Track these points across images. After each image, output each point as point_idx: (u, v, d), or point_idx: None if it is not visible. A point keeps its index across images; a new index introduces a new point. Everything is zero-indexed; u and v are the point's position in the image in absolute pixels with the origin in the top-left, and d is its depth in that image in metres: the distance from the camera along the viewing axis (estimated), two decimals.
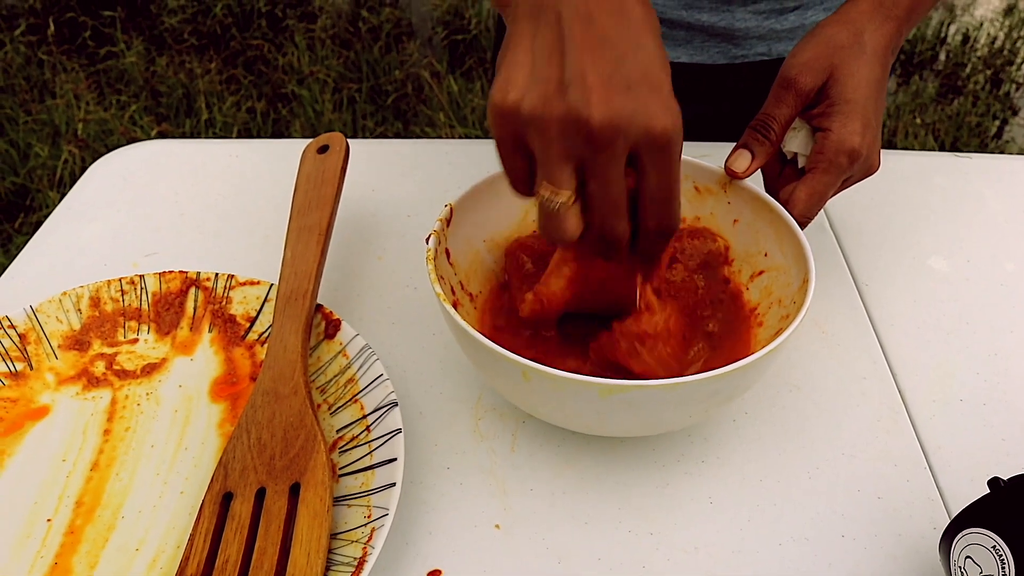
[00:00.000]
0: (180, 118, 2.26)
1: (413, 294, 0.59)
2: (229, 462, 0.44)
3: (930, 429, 0.50)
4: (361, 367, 0.49)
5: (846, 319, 0.58)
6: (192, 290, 0.55)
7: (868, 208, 0.68)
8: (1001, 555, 0.35)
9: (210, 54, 2.58)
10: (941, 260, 0.63)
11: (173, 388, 0.51)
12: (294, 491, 0.42)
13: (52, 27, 2.62)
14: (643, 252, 0.43)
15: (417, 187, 0.69)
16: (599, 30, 0.37)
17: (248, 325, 0.54)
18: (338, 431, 0.47)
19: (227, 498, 0.43)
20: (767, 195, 0.51)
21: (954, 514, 0.44)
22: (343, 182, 0.58)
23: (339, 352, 0.51)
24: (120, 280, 0.55)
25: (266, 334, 0.53)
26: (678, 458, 0.48)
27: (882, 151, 0.54)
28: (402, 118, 2.34)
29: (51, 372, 0.51)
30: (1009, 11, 2.85)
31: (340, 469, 0.46)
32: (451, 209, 0.50)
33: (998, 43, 2.70)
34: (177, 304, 0.55)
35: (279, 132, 2.25)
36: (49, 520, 0.44)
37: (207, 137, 2.20)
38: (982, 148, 2.31)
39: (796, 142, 0.53)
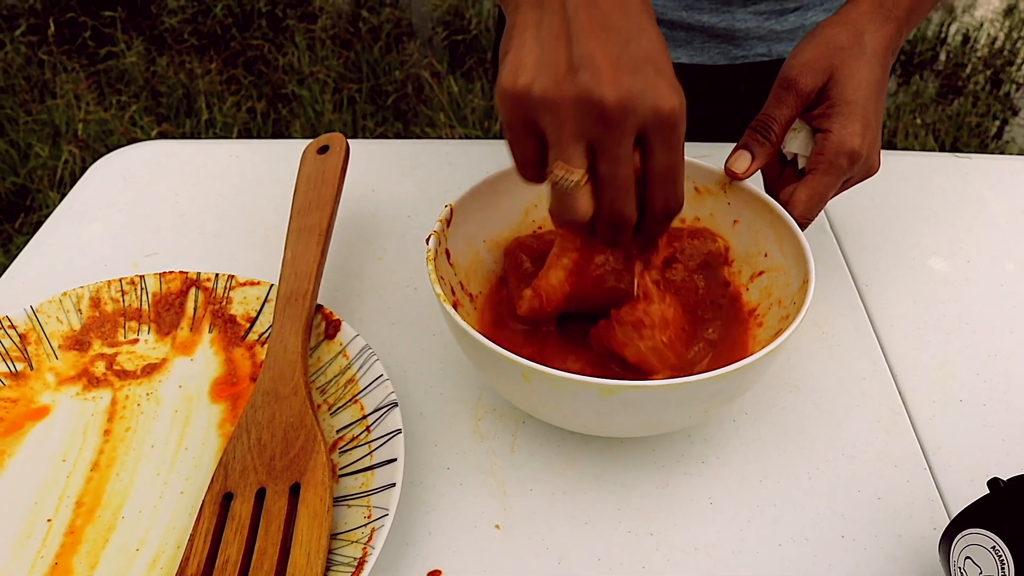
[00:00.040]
0: (180, 118, 2.27)
1: (413, 294, 0.59)
2: (229, 462, 0.44)
3: (930, 429, 0.51)
4: (361, 367, 0.49)
5: (846, 320, 0.58)
6: (192, 290, 0.55)
7: (868, 209, 0.68)
8: (1001, 556, 0.35)
9: (210, 54, 2.58)
10: (941, 261, 0.63)
11: (173, 388, 0.51)
12: (294, 491, 0.42)
13: (52, 27, 2.62)
14: (646, 234, 0.44)
15: (417, 187, 0.69)
16: (603, 16, 0.38)
17: (248, 325, 0.54)
18: (338, 431, 0.47)
19: (227, 498, 0.43)
20: (767, 196, 0.52)
21: (954, 515, 0.44)
22: (343, 182, 0.58)
23: (339, 352, 0.51)
24: (120, 280, 0.55)
25: (266, 334, 0.53)
26: (678, 458, 0.48)
27: (882, 152, 0.55)
28: (402, 118, 2.34)
29: (51, 372, 0.51)
30: (1009, 11, 2.85)
31: (340, 469, 0.46)
32: (451, 210, 0.50)
33: (998, 43, 2.70)
34: (177, 304, 0.55)
35: (279, 132, 2.25)
36: (49, 520, 0.44)
37: (207, 137, 2.20)
38: (982, 148, 2.31)
39: (796, 143, 0.53)
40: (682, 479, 0.47)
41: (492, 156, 0.51)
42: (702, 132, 0.76)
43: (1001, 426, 0.51)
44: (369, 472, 0.44)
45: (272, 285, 0.54)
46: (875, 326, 0.58)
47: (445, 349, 0.55)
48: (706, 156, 0.55)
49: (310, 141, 0.61)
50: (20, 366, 0.51)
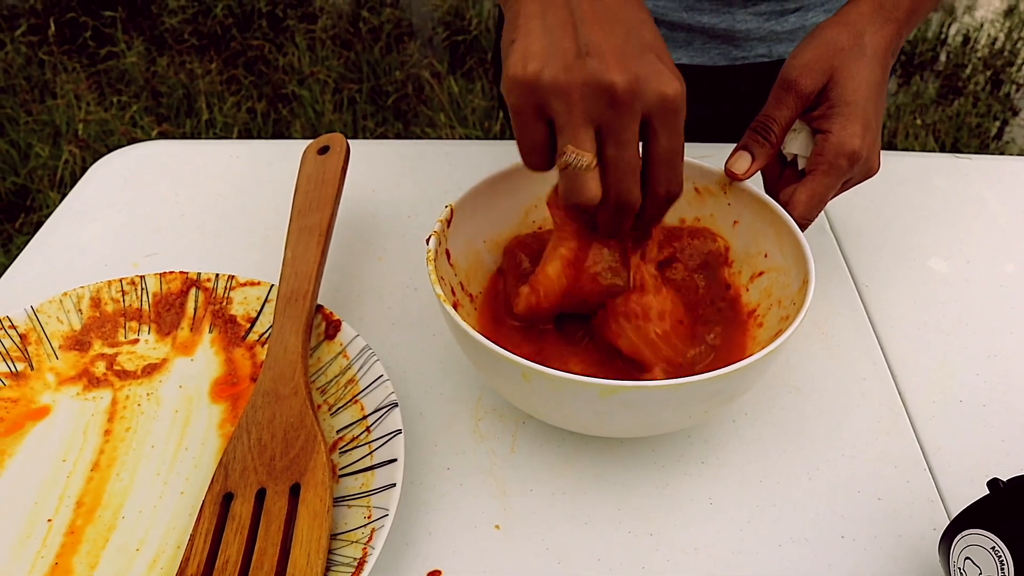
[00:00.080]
0: (180, 118, 2.27)
1: (413, 295, 0.59)
2: (229, 463, 0.44)
3: (930, 430, 0.51)
4: (361, 368, 0.49)
5: (846, 320, 0.58)
6: (193, 291, 0.55)
7: (868, 209, 0.68)
8: (1000, 556, 0.35)
9: (211, 54, 2.59)
10: (941, 261, 0.63)
11: (173, 388, 0.51)
12: (294, 492, 0.42)
13: (53, 27, 2.62)
14: (645, 221, 0.46)
15: (417, 188, 0.69)
16: (606, 7, 0.40)
17: (248, 326, 0.54)
18: (338, 432, 0.48)
19: (227, 498, 0.43)
20: (767, 196, 0.52)
21: (953, 515, 0.44)
22: (343, 183, 0.58)
23: (339, 353, 0.51)
24: (121, 281, 0.55)
25: (266, 335, 0.53)
26: (678, 459, 0.48)
27: (882, 152, 0.55)
28: (403, 119, 2.34)
29: (52, 372, 0.51)
30: (1009, 12, 2.85)
31: (340, 470, 0.46)
32: (451, 210, 0.50)
33: (998, 44, 2.70)
34: (178, 305, 0.55)
35: (279, 133, 2.25)
36: (50, 520, 0.44)
37: (207, 137, 2.20)
38: (982, 149, 2.31)
39: (796, 144, 0.53)
40: (682, 479, 0.47)
41: (492, 156, 0.52)
42: (702, 133, 0.76)
43: (1001, 427, 0.51)
44: (369, 472, 0.44)
45: (272, 285, 0.54)
46: (875, 326, 0.58)
47: (445, 349, 0.55)
48: (706, 157, 0.55)
49: (310, 141, 0.61)
50: (20, 366, 0.51)
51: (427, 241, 0.48)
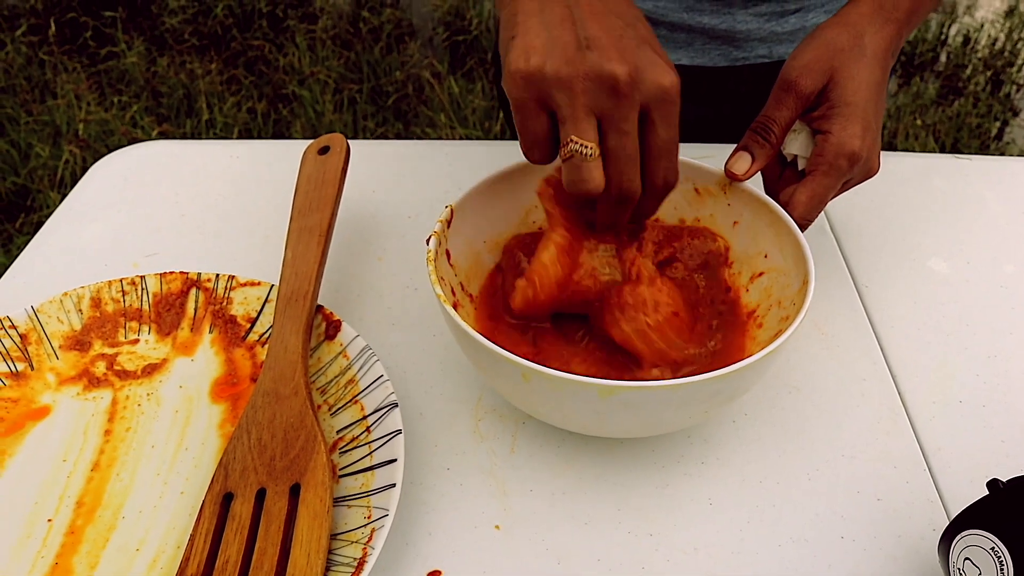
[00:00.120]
0: (181, 119, 2.27)
1: (413, 295, 0.59)
2: (229, 463, 0.44)
3: (930, 430, 0.51)
4: (361, 368, 0.49)
5: (846, 320, 0.58)
6: (193, 291, 0.55)
7: (868, 210, 0.68)
8: (1000, 557, 0.35)
9: (211, 55, 2.59)
10: (941, 262, 0.63)
11: (174, 389, 0.51)
12: (294, 492, 0.42)
13: (53, 27, 2.62)
14: (641, 212, 0.47)
15: (418, 188, 0.69)
16: (603, 4, 0.42)
17: (249, 326, 0.54)
18: (338, 432, 0.48)
19: (227, 499, 0.43)
20: (767, 197, 0.52)
21: (953, 515, 0.44)
22: (344, 183, 0.58)
23: (339, 353, 0.51)
24: (121, 281, 0.55)
25: (267, 335, 0.53)
26: (678, 459, 0.48)
27: (882, 153, 0.55)
28: (403, 119, 2.34)
29: (52, 372, 0.51)
30: (1010, 12, 2.85)
31: (340, 470, 0.46)
32: (451, 210, 0.50)
33: (999, 44, 2.70)
34: (178, 305, 0.55)
35: (280, 133, 2.25)
36: (50, 520, 0.44)
37: (208, 138, 2.20)
38: (983, 149, 2.31)
39: (796, 144, 0.53)
40: (682, 480, 0.47)
41: (493, 157, 0.52)
42: (702, 133, 0.76)
43: (1000, 427, 0.51)
44: (369, 472, 0.44)
45: (272, 286, 0.54)
46: (875, 327, 0.58)
47: (445, 350, 0.55)
48: (707, 157, 0.55)
49: (311, 142, 0.61)
50: (21, 366, 0.51)
51: (427, 241, 0.48)
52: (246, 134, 2.24)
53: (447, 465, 0.48)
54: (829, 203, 0.54)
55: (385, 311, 0.58)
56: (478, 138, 2.22)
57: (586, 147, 0.41)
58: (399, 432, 0.45)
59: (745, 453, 0.49)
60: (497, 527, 0.45)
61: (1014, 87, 2.59)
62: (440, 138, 2.22)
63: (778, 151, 0.53)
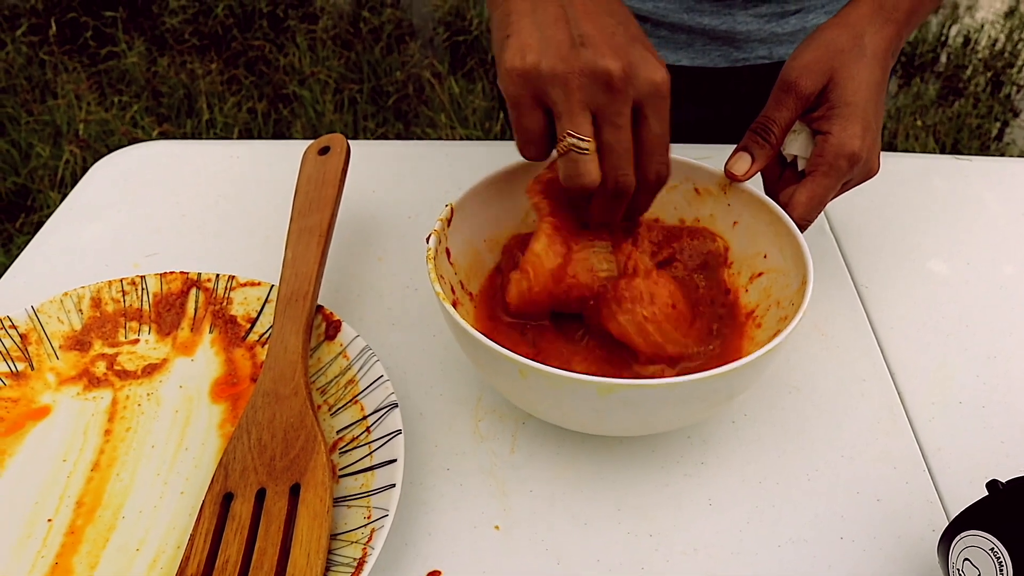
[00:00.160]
0: (181, 118, 2.27)
1: (414, 295, 0.59)
2: (229, 463, 0.44)
3: (929, 431, 0.51)
4: (361, 368, 0.49)
5: (846, 321, 0.58)
6: (193, 291, 0.55)
7: (868, 210, 0.68)
8: (999, 557, 0.35)
9: (211, 55, 2.59)
10: (941, 263, 0.63)
11: (174, 389, 0.51)
12: (294, 492, 0.42)
13: (54, 27, 2.62)
14: (634, 208, 0.47)
15: (418, 188, 0.69)
16: (595, 4, 0.43)
17: (249, 326, 0.54)
18: (338, 432, 0.48)
19: (227, 499, 0.43)
20: (767, 197, 0.52)
21: (952, 516, 0.44)
22: (344, 183, 0.58)
23: (339, 353, 0.51)
24: (121, 281, 0.55)
25: (267, 335, 0.53)
26: (678, 459, 0.48)
27: (882, 153, 0.55)
28: (403, 119, 2.34)
29: (52, 372, 0.51)
30: (1010, 13, 2.85)
31: (340, 470, 0.46)
32: (451, 209, 0.50)
33: (999, 45, 2.70)
34: (178, 305, 0.55)
35: (280, 133, 2.25)
36: (50, 520, 0.44)
37: (208, 138, 2.20)
38: (983, 150, 2.31)
39: (796, 145, 0.53)
40: (681, 480, 0.47)
41: (493, 157, 0.52)
42: (703, 134, 0.76)
43: (1000, 428, 0.51)
44: (369, 473, 0.44)
45: (273, 286, 0.54)
46: (875, 328, 0.58)
47: (445, 350, 0.55)
48: (707, 158, 0.55)
49: (311, 142, 0.61)
50: (21, 366, 0.51)
51: (427, 240, 0.48)
52: (246, 134, 2.24)
53: (447, 465, 0.48)
54: (829, 204, 0.54)
55: (385, 311, 0.58)
56: (478, 138, 2.22)
57: (583, 141, 0.42)
58: (399, 432, 0.45)
59: (745, 453, 0.49)
60: (497, 527, 0.45)
61: (1014, 88, 2.59)
62: (440, 138, 2.22)
63: (778, 152, 0.53)
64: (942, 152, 2.24)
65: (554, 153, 0.44)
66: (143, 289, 0.55)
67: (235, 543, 0.41)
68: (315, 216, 0.55)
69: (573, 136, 0.42)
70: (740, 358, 0.41)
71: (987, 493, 0.38)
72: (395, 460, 0.43)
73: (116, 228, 0.65)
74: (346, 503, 0.43)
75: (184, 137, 2.19)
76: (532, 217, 0.56)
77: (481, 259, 0.54)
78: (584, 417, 0.43)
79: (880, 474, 0.48)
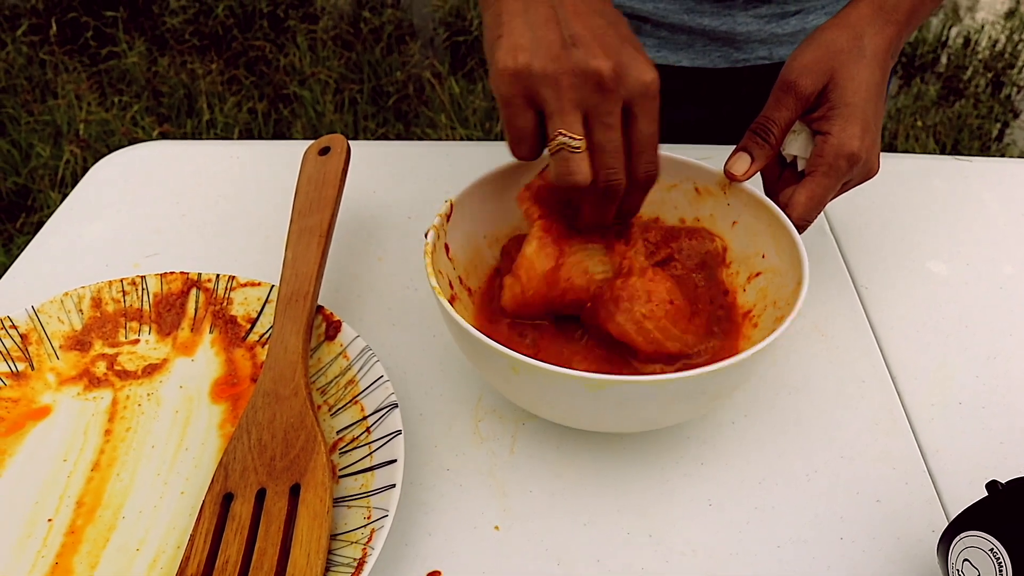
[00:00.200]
0: (181, 119, 2.27)
1: (414, 295, 0.59)
2: (229, 463, 0.44)
3: (929, 432, 0.51)
4: (361, 368, 0.49)
5: (845, 321, 0.58)
6: (193, 291, 0.55)
7: (868, 211, 0.68)
8: (998, 558, 0.35)
9: (212, 55, 2.59)
10: (940, 263, 0.63)
11: (174, 389, 0.51)
12: (294, 492, 0.42)
13: (54, 27, 2.62)
14: (628, 206, 0.48)
15: (418, 189, 0.69)
16: (586, 4, 0.43)
17: (249, 326, 0.54)
18: (338, 432, 0.48)
19: (227, 499, 0.43)
20: (766, 198, 0.52)
21: (952, 517, 0.44)
22: (344, 184, 0.58)
23: (340, 353, 0.51)
24: (121, 281, 0.55)
25: (267, 335, 0.53)
26: (677, 460, 0.48)
27: (882, 154, 0.55)
28: (403, 119, 2.34)
29: (52, 372, 0.51)
30: (1010, 14, 2.85)
31: (340, 470, 0.46)
32: (451, 205, 0.50)
33: (999, 46, 2.70)
34: (178, 305, 0.55)
35: (280, 133, 2.25)
36: (50, 520, 0.44)
37: (208, 138, 2.20)
38: (983, 151, 2.31)
39: (796, 145, 0.53)
40: (681, 480, 0.47)
41: (493, 157, 0.52)
42: (702, 134, 0.76)
43: (1000, 428, 0.51)
44: (369, 473, 0.44)
45: (273, 286, 0.55)
46: (874, 328, 0.58)
47: (445, 350, 0.55)
48: (706, 159, 0.55)
49: (311, 142, 0.62)
50: (21, 366, 0.51)
51: (425, 235, 0.48)
52: (247, 134, 2.24)
53: (447, 466, 0.48)
54: (829, 204, 0.54)
55: (385, 311, 0.58)
56: (479, 139, 2.22)
57: (574, 140, 0.42)
58: (399, 433, 0.45)
59: (744, 454, 0.49)
60: (496, 528, 0.45)
61: (1014, 88, 2.59)
62: (441, 139, 2.23)
63: (778, 152, 0.53)
64: (942, 153, 2.24)
65: (545, 154, 0.45)
66: (143, 289, 0.55)
67: (235, 543, 0.41)
68: (315, 216, 0.55)
69: (564, 135, 0.42)
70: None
71: (987, 494, 0.38)
72: (395, 460, 0.43)
73: (116, 228, 0.65)
74: (346, 503, 0.44)
75: (184, 137, 2.19)
76: None
77: (481, 255, 0.54)
78: (575, 413, 0.44)
79: (880, 474, 0.48)
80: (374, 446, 0.45)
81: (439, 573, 0.42)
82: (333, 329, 0.52)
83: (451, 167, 0.71)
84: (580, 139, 0.42)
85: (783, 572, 0.43)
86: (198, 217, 0.66)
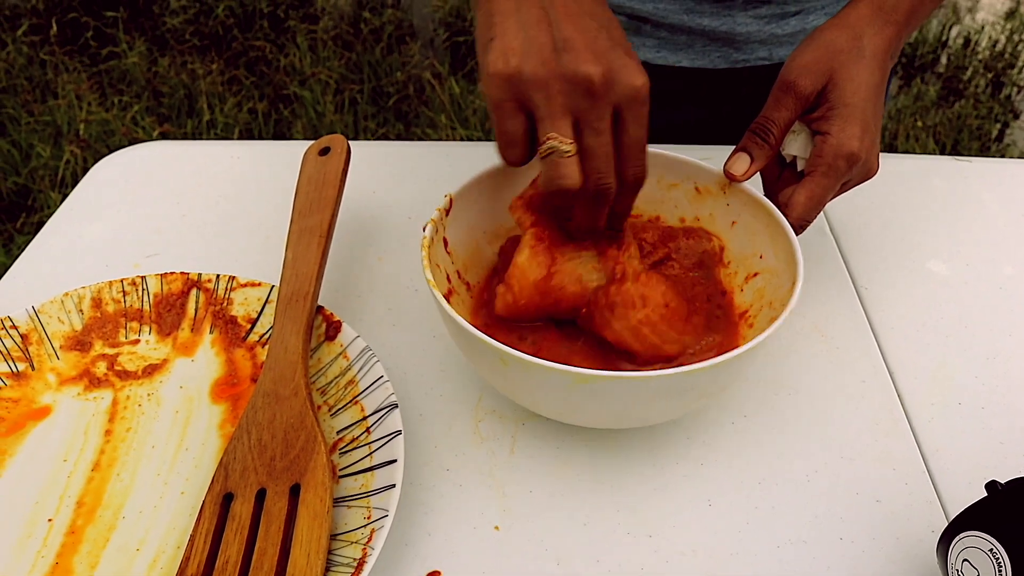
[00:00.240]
0: (182, 119, 2.27)
1: (414, 295, 0.59)
2: (230, 463, 0.44)
3: (928, 432, 0.51)
4: (361, 369, 0.49)
5: (845, 321, 0.58)
6: (193, 291, 0.55)
7: (868, 211, 0.68)
8: (998, 558, 0.35)
9: (212, 55, 2.59)
10: (940, 263, 0.63)
11: (174, 389, 0.51)
12: (294, 492, 0.42)
13: (54, 27, 2.62)
14: (619, 210, 0.48)
15: (418, 189, 0.69)
16: (577, 5, 0.43)
17: (249, 326, 0.54)
18: (338, 432, 0.48)
19: (227, 499, 0.43)
20: (764, 198, 0.52)
21: (952, 517, 0.44)
22: (344, 184, 0.58)
23: (340, 354, 0.51)
24: (122, 281, 0.55)
25: (267, 335, 0.53)
26: (677, 460, 0.48)
27: (882, 154, 0.55)
28: (403, 120, 2.34)
29: (53, 372, 0.51)
30: (1011, 14, 2.85)
31: (340, 470, 0.46)
32: (451, 199, 0.50)
33: (999, 46, 2.70)
34: (178, 305, 0.55)
35: (280, 133, 2.25)
36: (50, 520, 0.44)
37: (208, 138, 2.20)
38: (983, 151, 2.31)
39: (795, 145, 0.53)
40: (681, 481, 0.47)
41: (493, 158, 0.52)
42: (702, 135, 0.76)
43: (999, 429, 0.51)
44: (369, 473, 0.44)
45: (273, 286, 0.55)
46: (874, 328, 0.58)
47: (445, 351, 0.55)
48: (706, 159, 0.55)
49: (311, 143, 0.62)
50: (22, 366, 0.51)
51: (424, 228, 0.48)
52: (247, 134, 2.24)
53: (447, 466, 0.48)
54: (829, 204, 0.54)
55: (385, 311, 0.58)
56: (479, 139, 2.22)
57: (563, 144, 0.42)
58: (399, 433, 0.45)
59: (744, 454, 0.49)
60: (496, 528, 0.45)
61: (1015, 89, 2.59)
62: (441, 139, 2.23)
63: (777, 152, 0.53)
64: (942, 153, 2.24)
65: (535, 163, 0.45)
66: (144, 289, 0.55)
67: (235, 543, 0.41)
68: (315, 216, 0.55)
69: (555, 138, 0.42)
70: None
71: (986, 494, 0.38)
72: (395, 461, 0.43)
73: (117, 228, 0.65)
74: (346, 503, 0.44)
75: (185, 137, 2.19)
76: None
77: (481, 251, 0.54)
78: (565, 407, 0.44)
79: (879, 475, 0.48)
80: (374, 446, 0.45)
81: (439, 573, 0.42)
82: (333, 329, 0.52)
83: (451, 167, 0.71)
84: (570, 143, 0.42)
85: (783, 572, 0.43)
86: (198, 217, 0.66)
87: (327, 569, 0.40)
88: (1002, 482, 0.38)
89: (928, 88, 2.54)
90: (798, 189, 0.51)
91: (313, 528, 0.41)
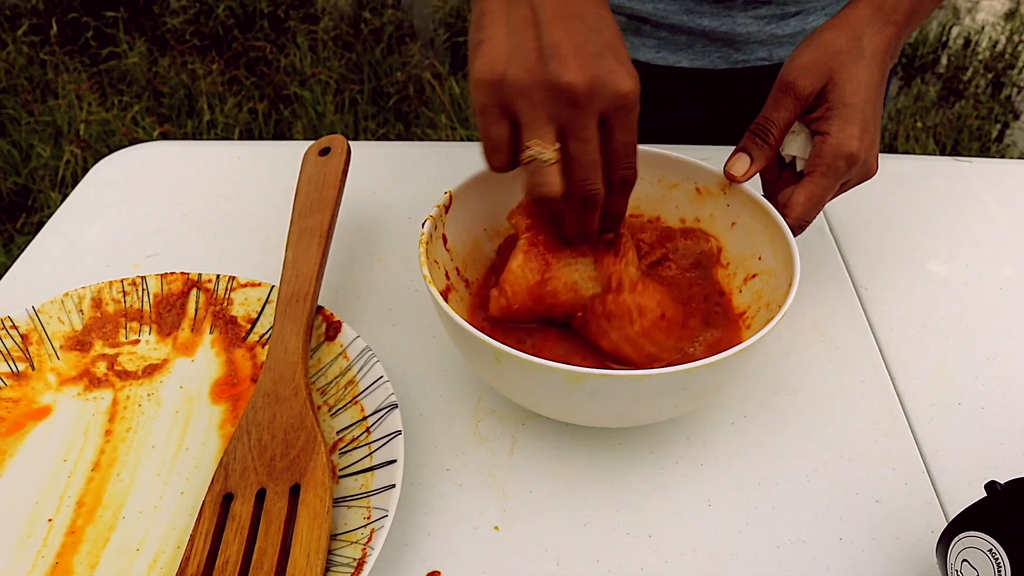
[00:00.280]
0: (182, 119, 2.27)
1: (414, 295, 0.59)
2: (230, 463, 0.44)
3: (928, 432, 0.51)
4: (361, 369, 0.49)
5: (845, 322, 0.58)
6: (193, 291, 0.55)
7: (868, 212, 0.68)
8: (997, 559, 0.35)
9: (212, 55, 2.59)
10: (940, 264, 0.63)
11: (174, 389, 0.51)
12: (294, 492, 0.42)
13: (55, 27, 2.62)
14: (611, 213, 0.47)
15: (418, 189, 0.69)
16: (568, 6, 0.42)
17: (249, 327, 0.54)
18: (338, 432, 0.48)
19: (227, 499, 0.43)
20: (763, 199, 0.52)
21: (951, 517, 0.44)
22: (344, 184, 0.58)
23: (340, 354, 0.51)
24: (122, 281, 0.55)
25: (267, 336, 0.53)
26: (677, 460, 0.48)
27: (882, 155, 0.55)
28: (404, 120, 2.34)
29: (53, 372, 0.52)
30: (1011, 15, 2.85)
31: (340, 470, 0.46)
32: (450, 196, 0.51)
33: (999, 47, 2.70)
34: (178, 305, 0.55)
35: (281, 133, 2.25)
36: (50, 520, 0.44)
37: (208, 138, 2.20)
38: (983, 152, 2.31)
39: (795, 146, 0.53)
40: (681, 481, 0.47)
41: None
42: (702, 135, 0.76)
43: (999, 429, 0.51)
44: (369, 473, 0.44)
45: (273, 286, 0.55)
46: (874, 329, 0.58)
47: (445, 351, 0.55)
48: (706, 159, 0.55)
49: (311, 143, 0.62)
50: (22, 366, 0.51)
51: (422, 225, 0.48)
52: (247, 135, 2.24)
53: (447, 466, 0.48)
54: (828, 204, 0.54)
55: (385, 311, 0.58)
56: (479, 139, 2.22)
57: (544, 152, 0.42)
58: (399, 433, 0.45)
59: (744, 455, 0.49)
60: (496, 528, 0.45)
61: (1015, 89, 2.59)
62: (441, 139, 2.23)
63: (777, 152, 0.53)
64: (942, 154, 2.24)
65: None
66: (144, 290, 0.55)
67: (235, 543, 0.41)
68: (316, 217, 0.55)
69: (536, 146, 0.42)
70: None
71: (986, 494, 0.38)
72: (395, 461, 0.43)
73: (117, 228, 0.65)
74: (346, 503, 0.44)
75: (185, 137, 2.19)
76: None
77: (481, 248, 0.54)
78: (556, 405, 0.44)
79: (879, 475, 0.48)
80: (374, 446, 0.45)
81: (439, 573, 0.43)
82: (333, 329, 0.52)
83: (451, 167, 0.71)
84: (552, 151, 0.42)
85: (783, 572, 0.43)
86: (198, 217, 0.66)
87: (327, 569, 0.40)
88: (1002, 482, 0.38)
89: (928, 88, 2.54)
90: (797, 189, 0.51)
91: (313, 528, 0.41)
